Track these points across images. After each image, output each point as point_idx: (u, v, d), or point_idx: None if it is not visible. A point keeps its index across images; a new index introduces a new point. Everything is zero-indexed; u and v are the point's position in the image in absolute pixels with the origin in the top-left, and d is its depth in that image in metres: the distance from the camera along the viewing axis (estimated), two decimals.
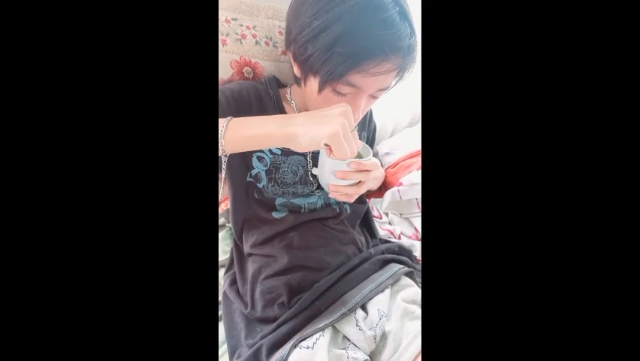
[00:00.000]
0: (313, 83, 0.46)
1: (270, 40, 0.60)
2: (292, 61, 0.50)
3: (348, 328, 0.47)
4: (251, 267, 0.56)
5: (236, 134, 0.40)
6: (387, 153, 0.87)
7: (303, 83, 0.49)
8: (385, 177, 0.83)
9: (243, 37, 0.58)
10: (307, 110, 0.52)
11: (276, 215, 0.56)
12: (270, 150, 0.55)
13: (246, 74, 0.61)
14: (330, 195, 0.51)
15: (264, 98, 0.56)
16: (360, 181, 0.50)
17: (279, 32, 0.60)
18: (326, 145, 0.39)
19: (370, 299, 0.50)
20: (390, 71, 0.44)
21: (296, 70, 0.50)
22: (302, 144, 0.39)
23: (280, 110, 0.56)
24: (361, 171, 0.48)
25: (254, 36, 0.58)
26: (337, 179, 0.48)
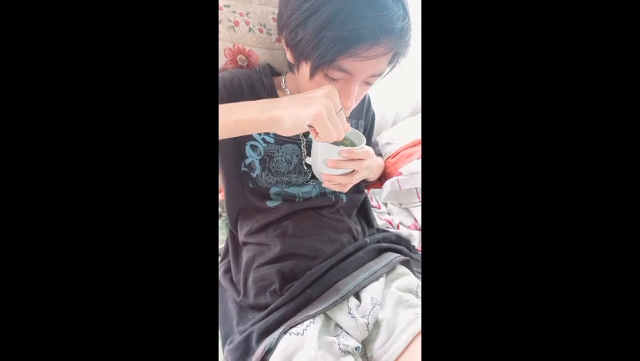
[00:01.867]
0: (305, 68, 0.45)
1: (264, 27, 0.59)
2: (285, 46, 0.49)
3: (340, 316, 0.47)
4: (245, 255, 0.56)
5: (220, 120, 0.40)
6: (387, 143, 0.86)
7: (296, 69, 0.48)
8: (385, 167, 0.82)
9: (236, 24, 0.57)
10: None
11: (270, 204, 0.56)
12: (263, 139, 0.55)
13: (240, 63, 0.61)
14: (324, 185, 0.51)
15: (257, 86, 0.55)
16: (353, 170, 0.50)
17: (273, 19, 0.59)
18: (310, 127, 0.38)
19: (364, 287, 0.50)
20: (383, 55, 0.42)
21: (289, 55, 0.49)
22: (286, 127, 0.38)
23: None
24: (353, 159, 0.47)
25: (247, 23, 0.58)
26: (329, 168, 0.47)
